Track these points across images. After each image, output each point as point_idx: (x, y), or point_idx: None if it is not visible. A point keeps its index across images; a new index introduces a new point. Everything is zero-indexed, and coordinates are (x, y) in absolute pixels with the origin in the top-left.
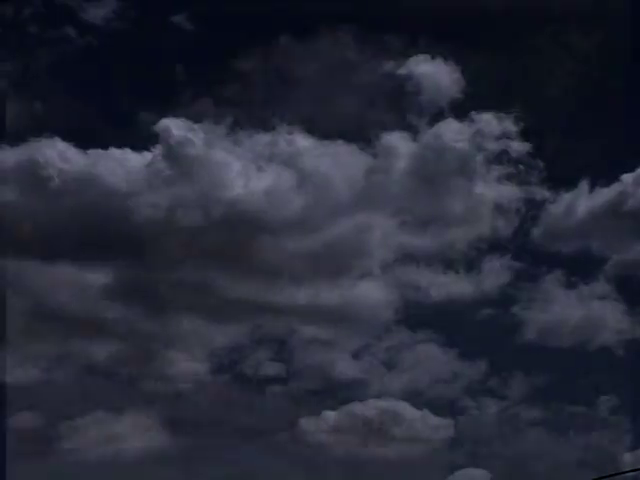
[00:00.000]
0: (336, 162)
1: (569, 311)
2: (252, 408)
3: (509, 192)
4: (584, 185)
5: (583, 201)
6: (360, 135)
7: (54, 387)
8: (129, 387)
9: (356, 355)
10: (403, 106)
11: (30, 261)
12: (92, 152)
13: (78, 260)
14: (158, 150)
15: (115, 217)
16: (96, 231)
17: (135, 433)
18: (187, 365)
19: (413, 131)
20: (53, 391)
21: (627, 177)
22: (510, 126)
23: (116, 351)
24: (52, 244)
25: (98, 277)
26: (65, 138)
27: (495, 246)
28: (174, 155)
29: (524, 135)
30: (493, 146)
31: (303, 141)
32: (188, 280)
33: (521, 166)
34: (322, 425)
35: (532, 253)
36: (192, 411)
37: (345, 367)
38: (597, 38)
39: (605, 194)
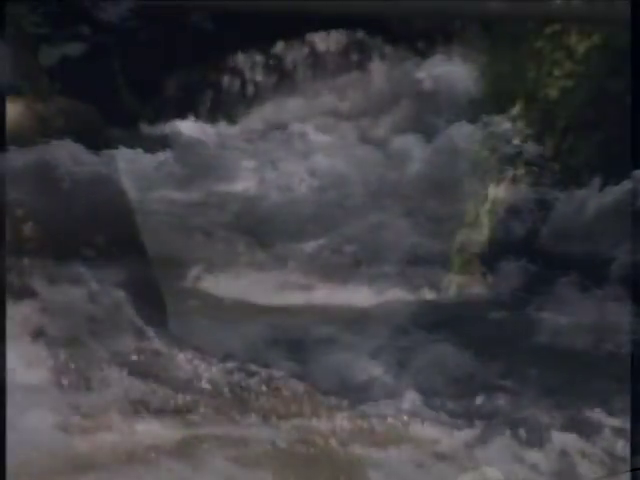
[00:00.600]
0: (351, 162)
1: (583, 313)
2: (266, 409)
3: (522, 194)
4: (595, 184)
5: (594, 200)
6: (375, 135)
7: (61, 387)
8: (139, 389)
9: (371, 355)
10: (418, 107)
11: (39, 261)
12: (103, 153)
13: (88, 261)
14: (170, 150)
15: (127, 218)
16: (107, 232)
17: (146, 435)
18: (200, 366)
19: (428, 132)
20: (60, 391)
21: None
22: (522, 128)
23: (126, 352)
24: (62, 245)
25: (109, 278)
26: (76, 139)
27: (509, 248)
28: (186, 155)
29: (536, 136)
30: (506, 148)
31: (317, 141)
32: (201, 280)
33: (534, 167)
34: (336, 426)
35: (545, 255)
36: (205, 413)
37: (360, 367)
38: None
39: (616, 192)
